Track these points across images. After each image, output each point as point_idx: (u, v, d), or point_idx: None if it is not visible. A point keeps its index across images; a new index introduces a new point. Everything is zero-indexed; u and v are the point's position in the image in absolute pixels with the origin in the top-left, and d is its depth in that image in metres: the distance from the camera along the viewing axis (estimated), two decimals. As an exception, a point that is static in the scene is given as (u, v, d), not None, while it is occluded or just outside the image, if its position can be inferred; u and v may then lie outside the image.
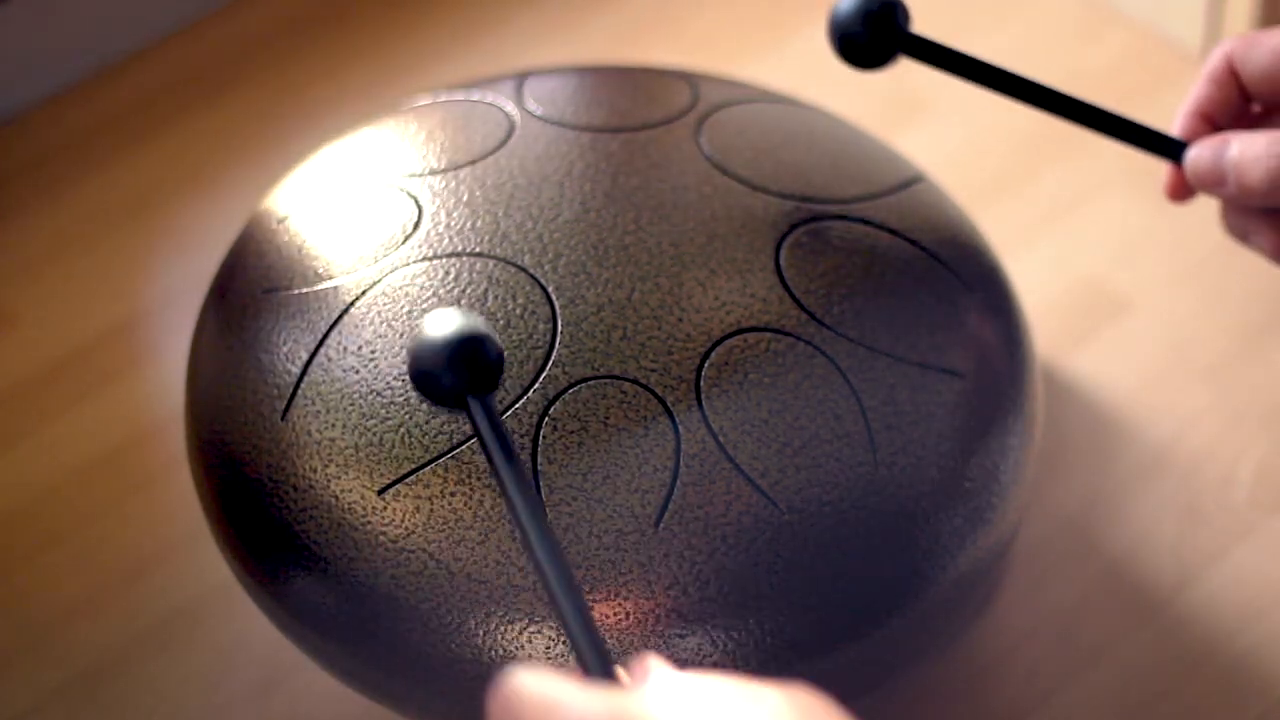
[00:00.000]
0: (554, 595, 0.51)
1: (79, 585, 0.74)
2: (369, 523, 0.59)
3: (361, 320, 0.62)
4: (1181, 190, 0.65)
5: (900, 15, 0.64)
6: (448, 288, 0.62)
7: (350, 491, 0.59)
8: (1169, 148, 0.65)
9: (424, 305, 0.62)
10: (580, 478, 0.58)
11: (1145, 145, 0.65)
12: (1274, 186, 0.61)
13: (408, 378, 0.57)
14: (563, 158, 0.66)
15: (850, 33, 0.64)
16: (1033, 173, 0.87)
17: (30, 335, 0.84)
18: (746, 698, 0.44)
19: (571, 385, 0.60)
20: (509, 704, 0.45)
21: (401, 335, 0.61)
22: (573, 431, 0.59)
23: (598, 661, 0.50)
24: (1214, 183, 0.63)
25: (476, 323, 0.54)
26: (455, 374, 0.53)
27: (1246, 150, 0.61)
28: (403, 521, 0.59)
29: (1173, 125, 0.66)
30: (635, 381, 0.60)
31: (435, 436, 0.59)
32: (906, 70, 0.92)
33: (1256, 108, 0.65)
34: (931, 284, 0.64)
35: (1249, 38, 0.63)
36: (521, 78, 0.71)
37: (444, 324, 0.53)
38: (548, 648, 0.58)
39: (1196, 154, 0.63)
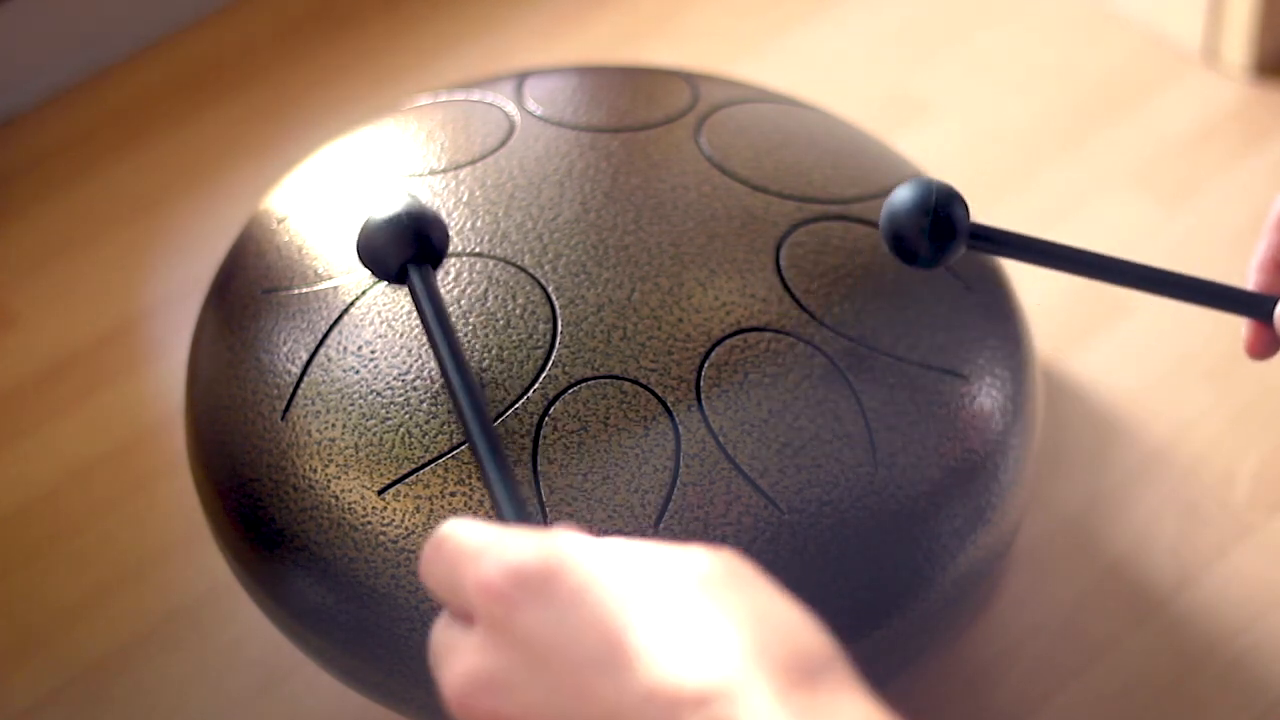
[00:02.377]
0: (477, 452, 0.54)
1: (79, 585, 0.74)
2: (369, 523, 0.59)
3: (361, 320, 0.62)
4: (1266, 346, 0.62)
5: (958, 215, 0.59)
6: (448, 287, 0.62)
7: (350, 491, 0.59)
8: (1254, 306, 0.61)
9: (424, 305, 0.62)
10: (580, 478, 0.58)
11: (1228, 306, 0.61)
12: None
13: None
14: (563, 158, 0.66)
15: (908, 243, 0.59)
16: (1033, 173, 0.87)
17: (30, 335, 0.84)
18: (674, 554, 0.45)
19: (571, 385, 0.60)
20: (442, 550, 0.46)
21: (401, 335, 0.61)
22: (573, 431, 0.59)
23: (518, 512, 0.52)
24: None
25: (416, 202, 0.58)
26: (398, 247, 0.58)
27: None
28: (403, 521, 0.59)
29: (1248, 280, 0.62)
30: (635, 381, 0.60)
31: (435, 436, 0.59)
32: (907, 70, 0.92)
33: None
34: (931, 284, 0.64)
35: None
36: (521, 78, 0.71)
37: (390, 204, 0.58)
38: (548, 648, 0.58)
39: None
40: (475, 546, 0.46)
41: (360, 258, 0.59)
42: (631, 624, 0.43)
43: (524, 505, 0.52)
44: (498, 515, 0.52)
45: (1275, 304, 0.60)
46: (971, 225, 0.59)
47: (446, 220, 0.64)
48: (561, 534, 0.46)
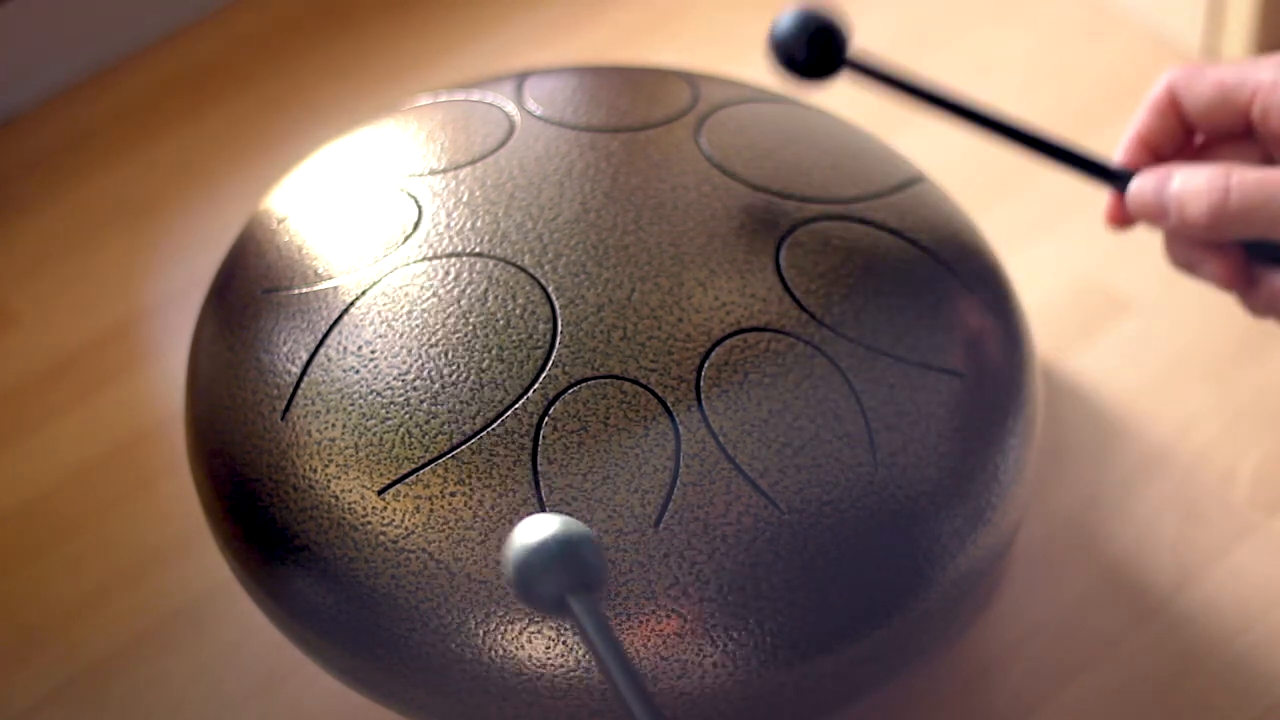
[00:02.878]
0: None
1: (79, 585, 0.74)
2: (369, 523, 0.59)
3: (361, 320, 0.62)
4: (1124, 217, 0.65)
5: (839, 39, 0.65)
6: (448, 288, 0.62)
7: (350, 491, 0.59)
8: (1112, 177, 0.65)
9: (424, 305, 0.62)
10: (580, 478, 0.58)
11: (1089, 173, 0.65)
12: (1215, 222, 0.61)
13: None
14: (563, 158, 0.66)
15: (791, 53, 0.66)
16: (1033, 173, 0.87)
17: (31, 335, 0.84)
18: None
19: (571, 385, 0.60)
20: None
21: (401, 335, 0.61)
22: (573, 431, 0.59)
23: None
24: (1156, 215, 0.63)
25: (573, 525, 0.53)
26: (556, 577, 0.53)
27: (1188, 184, 0.61)
28: (403, 521, 0.59)
29: (1118, 151, 0.66)
30: (635, 381, 0.60)
31: (435, 436, 0.59)
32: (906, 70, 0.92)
33: (1199, 139, 0.65)
34: (931, 284, 0.64)
35: (1191, 69, 0.64)
36: (521, 78, 0.71)
37: (542, 528, 0.53)
38: (547, 648, 0.58)
39: (1139, 187, 0.63)
40: None
41: (515, 590, 0.54)
42: None
43: None
44: None
45: (1132, 177, 0.63)
46: (852, 58, 0.65)
47: (447, 220, 0.64)
48: None
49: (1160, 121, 0.64)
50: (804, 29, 0.65)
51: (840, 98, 0.86)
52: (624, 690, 0.52)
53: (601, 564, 0.53)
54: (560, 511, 0.58)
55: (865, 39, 0.94)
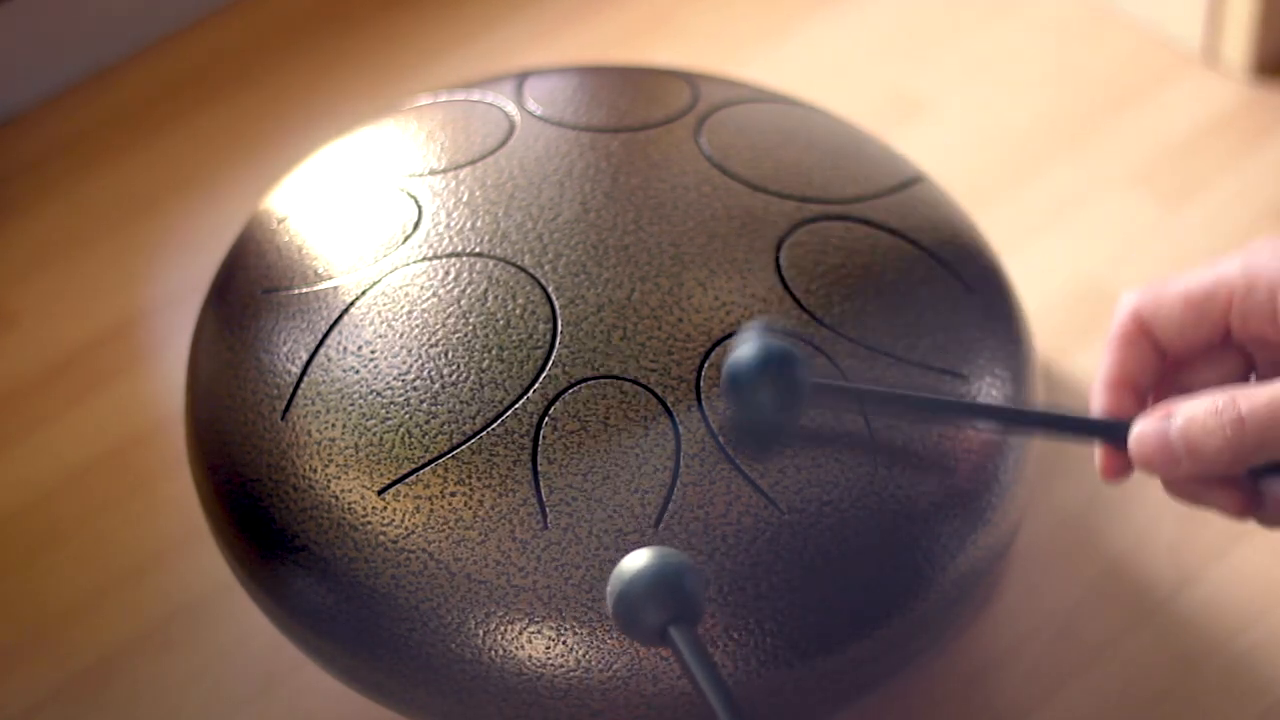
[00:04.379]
0: None
1: (79, 585, 0.74)
2: (369, 523, 0.59)
3: (361, 320, 0.62)
4: (1120, 470, 0.59)
5: (800, 370, 0.58)
6: (448, 288, 0.62)
7: (350, 491, 0.59)
8: (1103, 431, 0.59)
9: (424, 305, 0.62)
10: (580, 478, 0.58)
11: (1080, 436, 0.60)
12: (1235, 457, 0.55)
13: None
14: (563, 158, 0.66)
15: (753, 407, 0.58)
16: (1033, 173, 0.87)
17: (30, 335, 0.84)
18: None
19: (571, 385, 0.60)
20: None
21: (401, 335, 0.61)
22: (573, 431, 0.59)
23: None
24: (1167, 465, 0.56)
25: (672, 554, 0.54)
26: (657, 607, 0.54)
27: (1194, 424, 0.56)
28: (403, 521, 0.59)
29: (1093, 399, 0.60)
30: (635, 381, 0.60)
31: (435, 436, 0.59)
32: (906, 70, 0.92)
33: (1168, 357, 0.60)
34: (931, 284, 0.64)
35: (1152, 291, 0.59)
36: (521, 78, 0.71)
37: (642, 559, 0.54)
38: (547, 648, 0.58)
39: (1140, 437, 0.57)
40: None
41: (615, 619, 0.55)
42: None
43: None
44: None
45: (1126, 429, 0.57)
46: (813, 382, 0.58)
47: (447, 220, 0.64)
48: None
49: (1133, 352, 0.59)
50: (762, 369, 0.58)
51: (840, 98, 0.86)
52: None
53: (702, 595, 0.54)
54: (560, 512, 0.58)
55: (865, 38, 0.94)
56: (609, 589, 0.54)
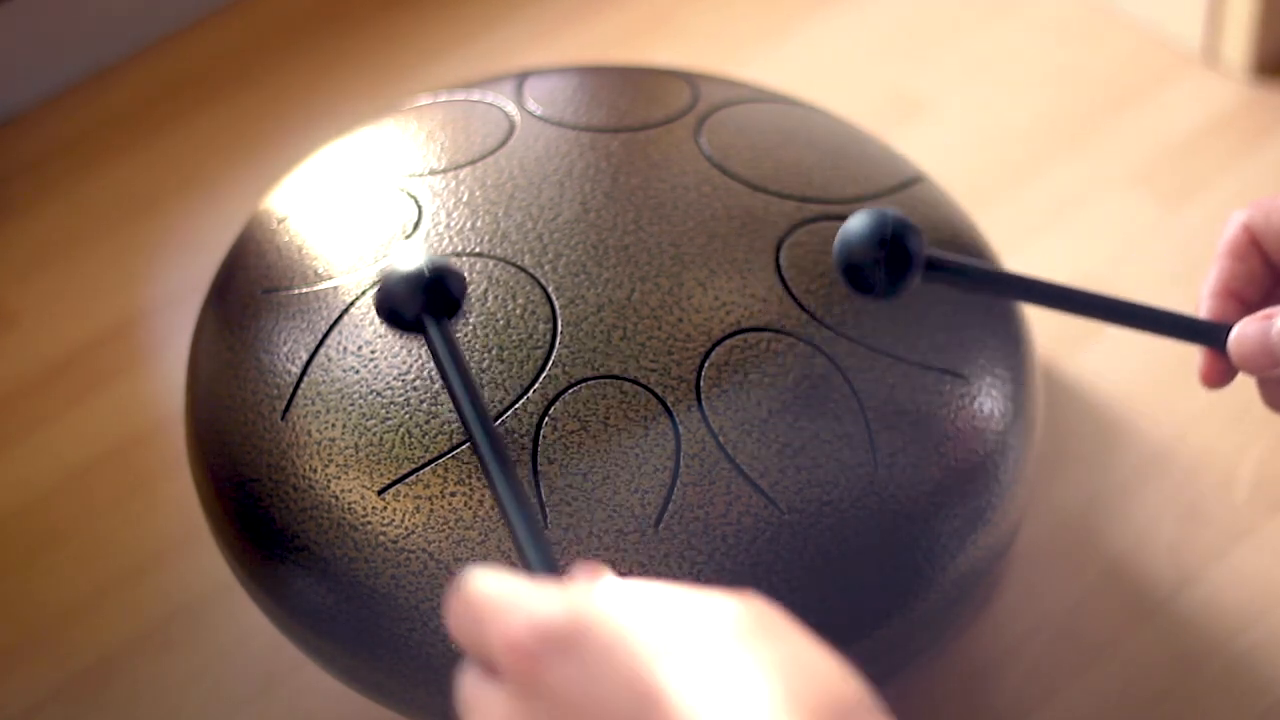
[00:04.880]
0: (502, 503, 0.53)
1: (79, 585, 0.74)
2: (369, 523, 0.59)
3: (361, 320, 0.62)
4: (1221, 375, 0.61)
5: (913, 245, 0.57)
6: (448, 288, 0.62)
7: (350, 491, 0.59)
8: (1205, 334, 0.60)
9: (424, 305, 0.62)
10: (580, 478, 0.58)
11: (1179, 335, 0.60)
12: None
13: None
14: (563, 158, 0.66)
15: (862, 269, 0.57)
16: (1033, 172, 0.87)
17: (30, 335, 0.84)
18: (702, 602, 0.44)
19: (571, 385, 0.60)
20: (469, 603, 0.45)
21: (402, 335, 0.61)
22: (573, 431, 0.59)
23: (545, 564, 0.51)
24: (1265, 364, 0.58)
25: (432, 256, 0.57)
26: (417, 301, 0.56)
27: None
28: (403, 521, 0.59)
29: (1199, 307, 0.61)
30: (635, 381, 0.60)
31: (435, 436, 0.59)
32: (907, 70, 0.92)
33: None
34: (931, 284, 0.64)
35: (1264, 204, 0.60)
36: (521, 78, 0.71)
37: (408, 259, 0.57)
38: (548, 648, 0.58)
39: (1241, 336, 0.58)
40: (501, 601, 0.45)
41: (377, 310, 0.57)
42: (662, 678, 0.42)
43: (550, 555, 0.51)
44: (522, 564, 0.52)
45: (1228, 332, 0.59)
46: (928, 255, 0.58)
47: (447, 220, 0.64)
48: (587, 585, 0.45)
49: (1242, 266, 0.60)
50: (877, 243, 0.57)
51: (840, 98, 0.86)
52: (464, 412, 0.55)
53: (461, 292, 0.57)
54: (560, 512, 0.58)
55: (865, 39, 0.94)
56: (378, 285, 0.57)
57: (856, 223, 0.57)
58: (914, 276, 0.57)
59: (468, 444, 0.59)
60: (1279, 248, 0.60)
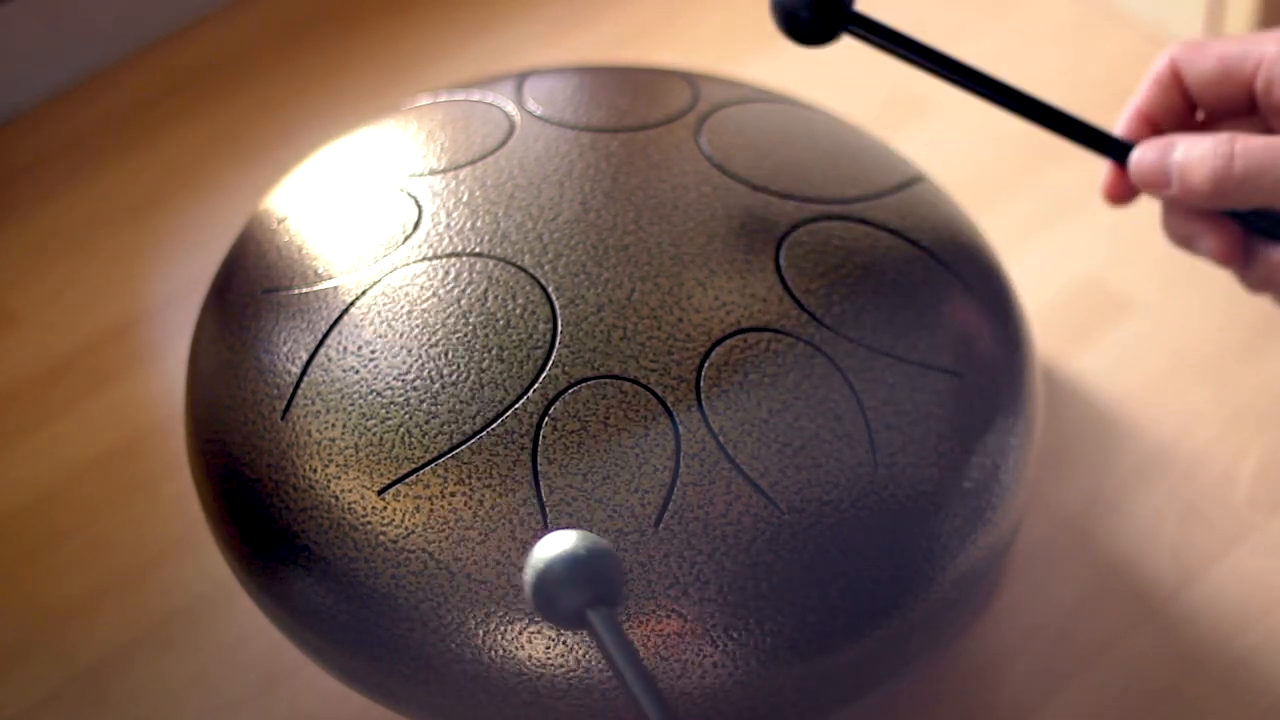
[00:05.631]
0: None
1: (79, 585, 0.74)
2: (369, 523, 0.59)
3: (361, 320, 0.62)
4: (1122, 191, 0.65)
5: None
6: (448, 288, 0.62)
7: (350, 491, 0.59)
8: (1113, 148, 0.65)
9: (424, 305, 0.62)
10: (580, 478, 0.58)
11: (1089, 144, 0.65)
12: (1218, 188, 0.61)
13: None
14: (563, 158, 0.66)
15: (793, 11, 0.62)
16: (1033, 173, 0.87)
17: (30, 335, 0.84)
18: None
19: (571, 385, 0.60)
20: None
21: (401, 335, 0.61)
22: (573, 431, 0.59)
23: None
24: (1158, 184, 0.63)
25: (593, 540, 0.53)
26: (578, 591, 0.52)
27: (1191, 151, 0.61)
28: (403, 521, 0.59)
29: (1118, 125, 0.66)
30: (635, 381, 0.60)
31: (435, 436, 0.59)
32: (907, 70, 0.92)
33: (1200, 115, 0.65)
34: (931, 284, 0.64)
35: (1194, 44, 0.64)
36: (521, 78, 0.71)
37: (561, 542, 0.53)
38: (547, 648, 0.58)
39: (1140, 154, 0.63)
40: None
41: (534, 601, 0.53)
42: None
43: None
44: None
45: (1129, 149, 0.63)
46: (856, 11, 0.62)
47: (447, 220, 0.64)
48: None
49: (1162, 95, 0.64)
50: None
51: (840, 98, 0.86)
52: (645, 704, 0.52)
53: (620, 578, 0.53)
54: (560, 512, 0.58)
55: (865, 39, 0.94)
56: (526, 573, 0.53)
57: None
58: (840, 23, 0.62)
59: (468, 443, 0.59)
60: (1198, 85, 0.63)
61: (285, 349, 0.62)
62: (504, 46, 0.95)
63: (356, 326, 0.62)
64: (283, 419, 0.61)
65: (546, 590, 0.52)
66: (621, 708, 0.58)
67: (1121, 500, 0.74)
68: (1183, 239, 0.64)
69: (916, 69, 0.64)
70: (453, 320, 0.61)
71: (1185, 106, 0.65)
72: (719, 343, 0.61)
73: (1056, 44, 0.93)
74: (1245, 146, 0.60)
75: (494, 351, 0.60)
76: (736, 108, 0.69)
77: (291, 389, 0.61)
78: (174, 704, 0.71)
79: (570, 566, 0.52)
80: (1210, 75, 0.63)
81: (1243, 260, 0.64)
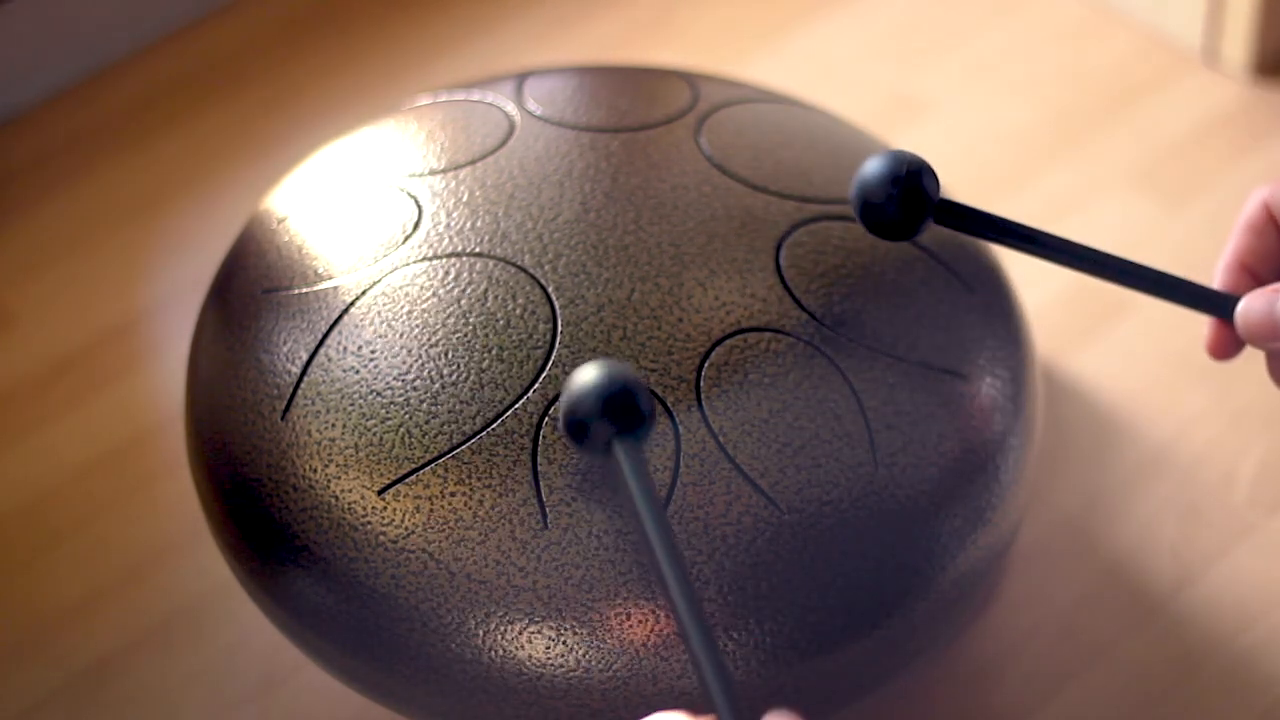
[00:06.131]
0: (690, 643, 0.52)
1: (79, 585, 0.74)
2: (369, 523, 0.59)
3: (361, 320, 0.62)
4: (1227, 347, 0.61)
5: (929, 181, 0.58)
6: (448, 288, 0.62)
7: (350, 491, 0.59)
8: (1215, 303, 0.60)
9: (424, 305, 0.62)
10: (580, 478, 0.58)
11: (1188, 302, 0.61)
12: None
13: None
14: (563, 158, 0.66)
15: (876, 205, 0.58)
16: (1033, 172, 0.87)
17: (30, 335, 0.84)
18: None
19: (571, 385, 0.60)
20: None
21: (402, 335, 0.61)
22: (573, 431, 0.59)
23: (731, 712, 0.51)
24: (1270, 336, 0.58)
25: (624, 369, 0.55)
26: (605, 419, 0.55)
27: None
28: (403, 521, 0.59)
29: (1212, 276, 0.62)
30: (635, 381, 0.60)
31: (435, 436, 0.59)
32: (907, 70, 0.92)
33: None
34: (931, 284, 0.64)
35: None
36: (521, 78, 0.71)
37: (594, 371, 0.55)
38: (547, 648, 0.58)
39: (1248, 308, 0.59)
40: None
41: (565, 430, 0.56)
42: None
43: (739, 703, 0.51)
44: (709, 708, 0.52)
45: (1236, 303, 0.59)
46: (941, 200, 0.59)
47: (447, 220, 0.64)
48: None
49: (1258, 241, 0.61)
50: (891, 181, 0.58)
51: (840, 98, 0.86)
52: (653, 540, 0.54)
53: (650, 410, 0.55)
54: (560, 512, 0.58)
55: (866, 39, 0.94)
56: (561, 400, 0.56)
57: (873, 164, 0.58)
58: (927, 216, 0.58)
59: (468, 443, 0.59)
60: None
61: (285, 349, 0.62)
62: (504, 46, 0.95)
63: (356, 326, 0.62)
64: (283, 419, 0.61)
65: (578, 419, 0.55)
66: (621, 707, 0.58)
67: (1121, 500, 0.74)
68: None
69: (1010, 249, 0.61)
70: (453, 320, 0.61)
71: None
72: (719, 343, 0.61)
73: (1057, 44, 0.93)
74: None
75: (494, 351, 0.60)
76: (736, 108, 0.69)
77: (291, 389, 0.61)
78: (174, 704, 0.71)
79: (599, 397, 0.54)
80: None
81: None
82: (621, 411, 0.55)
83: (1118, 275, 0.61)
